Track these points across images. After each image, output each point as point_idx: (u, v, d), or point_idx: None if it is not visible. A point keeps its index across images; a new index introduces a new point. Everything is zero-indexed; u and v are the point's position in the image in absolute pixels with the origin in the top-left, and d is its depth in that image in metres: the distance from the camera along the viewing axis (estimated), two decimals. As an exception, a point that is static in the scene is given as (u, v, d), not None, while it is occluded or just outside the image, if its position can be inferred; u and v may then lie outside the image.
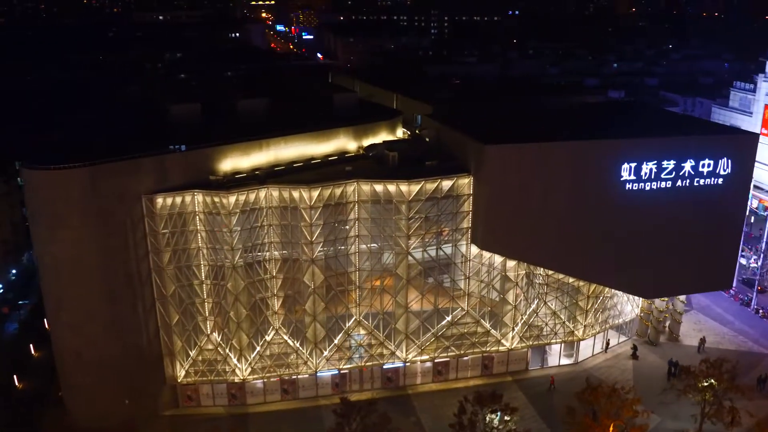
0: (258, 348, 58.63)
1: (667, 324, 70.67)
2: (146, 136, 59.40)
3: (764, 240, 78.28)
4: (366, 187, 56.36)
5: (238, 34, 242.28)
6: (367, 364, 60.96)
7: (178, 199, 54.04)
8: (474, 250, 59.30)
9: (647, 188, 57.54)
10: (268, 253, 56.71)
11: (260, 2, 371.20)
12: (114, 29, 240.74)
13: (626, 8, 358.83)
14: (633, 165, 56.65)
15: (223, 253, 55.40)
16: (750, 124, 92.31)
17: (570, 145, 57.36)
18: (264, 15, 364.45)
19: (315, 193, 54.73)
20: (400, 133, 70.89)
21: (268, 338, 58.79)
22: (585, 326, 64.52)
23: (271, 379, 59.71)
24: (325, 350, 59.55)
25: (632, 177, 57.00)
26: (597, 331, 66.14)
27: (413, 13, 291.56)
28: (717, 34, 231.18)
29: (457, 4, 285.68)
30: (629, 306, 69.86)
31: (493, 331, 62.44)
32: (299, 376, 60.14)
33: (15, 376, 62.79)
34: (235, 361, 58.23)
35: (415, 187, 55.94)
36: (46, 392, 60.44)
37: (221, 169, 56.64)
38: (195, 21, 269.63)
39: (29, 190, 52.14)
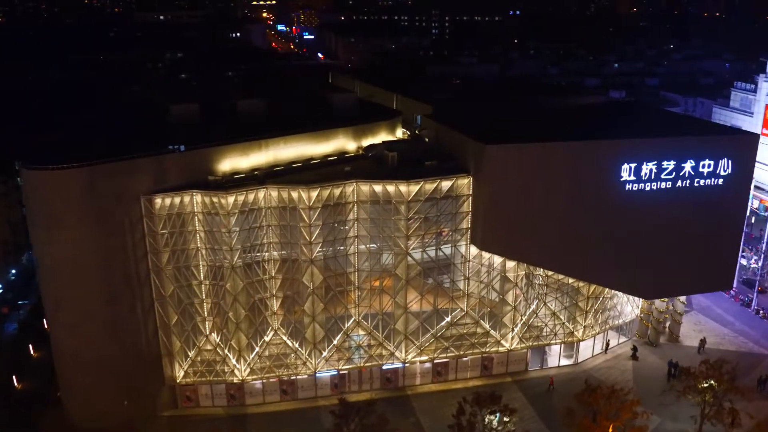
0: (257, 348, 58.54)
1: (668, 325, 70.51)
2: (145, 136, 59.32)
3: (765, 240, 78.04)
4: (365, 188, 56.24)
5: (238, 34, 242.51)
6: (367, 364, 60.85)
7: (177, 200, 53.95)
8: (473, 250, 59.17)
9: (647, 189, 57.38)
10: (267, 254, 56.61)
11: (261, 2, 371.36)
12: (115, 29, 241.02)
13: (627, 8, 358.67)
14: (633, 165, 56.49)
15: (221, 253, 55.31)
16: (751, 124, 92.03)
17: (570, 145, 57.22)
18: (265, 15, 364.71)
19: (314, 194, 54.63)
20: (400, 133, 70.77)
21: (267, 339, 58.70)
22: (585, 327, 64.38)
23: (270, 380, 59.61)
24: (324, 351, 59.45)
25: (632, 177, 56.84)
26: (597, 331, 65.99)
27: (414, 13, 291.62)
28: (718, 34, 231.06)
29: (457, 4, 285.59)
30: (629, 307, 69.71)
31: (492, 332, 62.31)
32: (298, 377, 60.03)
33: (14, 377, 62.73)
34: (234, 361, 58.14)
35: (414, 188, 55.82)
36: (45, 393, 60.35)
37: (220, 169, 56.55)
38: (196, 21, 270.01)
39: (27, 190, 52.08)
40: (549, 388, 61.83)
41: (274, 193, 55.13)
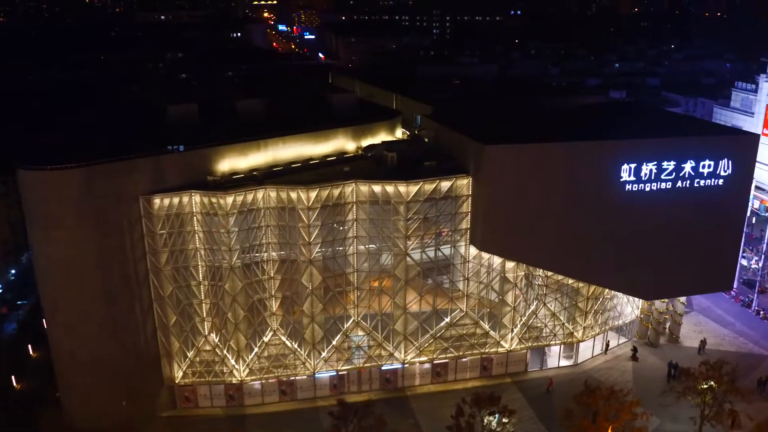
0: (256, 349, 58.43)
1: (668, 325, 70.33)
2: (144, 136, 59.27)
3: (765, 241, 77.84)
4: (364, 188, 56.12)
5: (239, 34, 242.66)
6: (366, 365, 60.74)
7: (176, 200, 53.86)
8: (473, 251, 59.03)
9: (647, 189, 57.21)
10: (265, 254, 56.51)
11: (262, 2, 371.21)
12: (116, 29, 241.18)
13: (629, 8, 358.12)
14: (633, 166, 56.33)
15: (220, 254, 55.21)
16: (752, 124, 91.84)
17: (569, 145, 57.10)
18: (266, 15, 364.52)
19: (313, 194, 54.52)
20: (400, 133, 70.64)
21: (266, 339, 58.60)
22: (584, 328, 64.21)
23: (269, 381, 59.52)
24: (323, 351, 59.33)
25: (632, 178, 56.68)
26: (596, 332, 65.83)
27: (415, 13, 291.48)
28: (719, 34, 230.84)
29: (458, 4, 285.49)
30: (629, 307, 69.54)
31: (492, 333, 62.18)
32: (297, 378, 59.94)
33: (13, 377, 62.66)
34: (232, 362, 58.04)
35: (413, 188, 55.70)
36: (44, 393, 60.24)
37: (219, 169, 56.45)
38: (197, 21, 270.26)
39: (25, 191, 51.94)
40: (548, 390, 61.62)
41: (273, 194, 55.02)
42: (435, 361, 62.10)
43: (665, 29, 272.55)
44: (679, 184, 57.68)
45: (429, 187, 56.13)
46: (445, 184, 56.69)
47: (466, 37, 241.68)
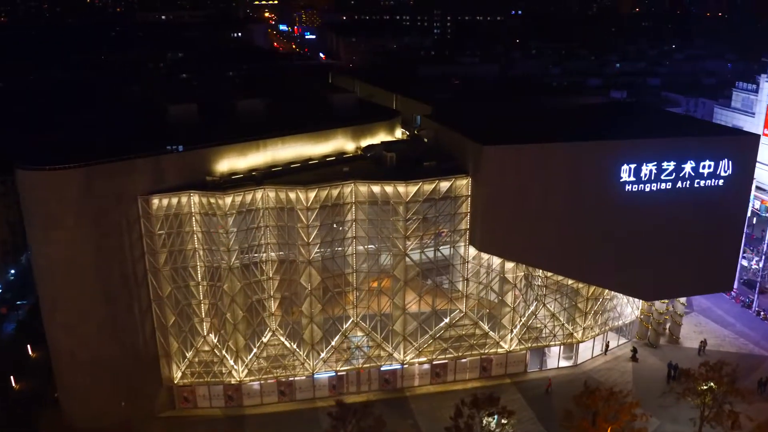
0: (255, 349, 58.34)
1: (668, 326, 70.17)
2: (144, 136, 59.21)
3: (766, 241, 77.67)
4: (363, 188, 56.01)
5: (240, 34, 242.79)
6: (365, 366, 60.64)
7: (174, 200, 53.77)
8: (472, 251, 58.90)
9: (647, 189, 57.07)
10: (264, 255, 56.42)
11: (263, 2, 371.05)
12: (117, 29, 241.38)
13: (630, 8, 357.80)
14: (632, 166, 56.19)
15: (219, 254, 55.13)
16: (752, 124, 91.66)
17: (569, 146, 56.96)
18: (267, 15, 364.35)
19: (312, 194, 54.42)
20: (399, 133, 70.54)
21: (264, 340, 58.50)
22: (584, 328, 64.07)
23: (268, 381, 59.43)
24: (323, 352, 59.24)
25: (632, 178, 56.54)
26: (596, 333, 65.69)
27: (416, 13, 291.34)
28: (720, 34, 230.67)
29: (459, 4, 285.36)
30: (629, 308, 69.39)
31: (491, 333, 62.05)
32: (296, 378, 59.85)
33: (12, 377, 62.60)
34: (231, 362, 57.96)
35: (412, 188, 55.58)
36: (43, 393, 60.19)
37: (218, 169, 56.38)
38: (198, 21, 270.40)
39: (23, 191, 51.88)
40: (547, 390, 61.50)
41: (272, 194, 54.93)
42: (434, 362, 62.00)
43: (666, 29, 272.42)
44: (679, 184, 57.54)
45: (428, 187, 56.01)
46: (445, 185, 56.58)
47: (467, 36, 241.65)
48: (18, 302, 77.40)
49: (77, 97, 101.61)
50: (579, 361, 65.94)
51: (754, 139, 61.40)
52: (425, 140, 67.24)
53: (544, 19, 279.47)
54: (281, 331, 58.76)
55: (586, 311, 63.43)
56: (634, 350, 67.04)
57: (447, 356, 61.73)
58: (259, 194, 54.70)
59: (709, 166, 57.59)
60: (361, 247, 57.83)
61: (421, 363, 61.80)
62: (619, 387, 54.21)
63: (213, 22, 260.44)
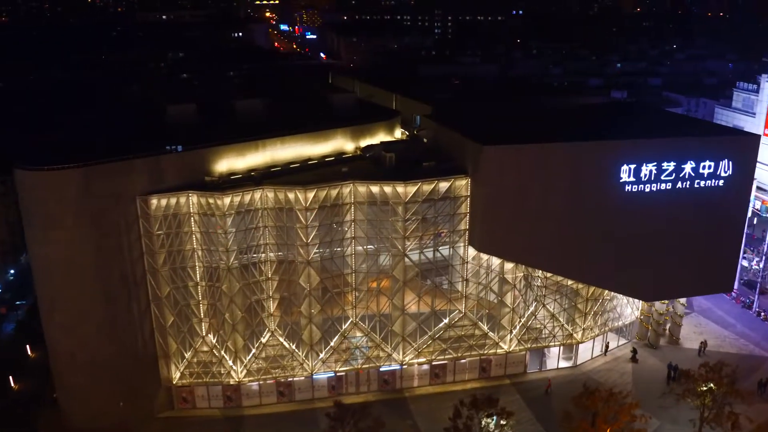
0: (253, 350, 58.25)
1: (668, 327, 70.00)
2: (143, 136, 59.12)
3: (766, 242, 77.49)
4: (362, 189, 55.90)
5: (241, 34, 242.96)
6: (364, 366, 60.54)
7: (173, 200, 53.67)
8: (471, 252, 58.77)
9: (647, 190, 56.91)
10: (263, 255, 56.31)
11: (264, 2, 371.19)
12: (118, 29, 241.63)
13: (631, 8, 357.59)
14: (632, 166, 56.03)
15: (218, 254, 55.03)
16: (753, 124, 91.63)
17: (569, 146, 56.80)
18: (268, 14, 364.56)
19: (310, 195, 54.31)
20: (399, 133, 70.42)
21: (263, 340, 58.40)
22: (584, 329, 63.94)
23: (267, 382, 59.35)
24: (321, 353, 59.14)
25: (632, 178, 56.38)
26: (596, 333, 65.55)
27: (417, 13, 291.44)
28: (721, 34, 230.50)
29: (460, 4, 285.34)
30: (629, 308, 69.24)
31: (490, 334, 61.92)
32: (295, 379, 59.75)
33: (11, 377, 62.56)
34: (230, 363, 57.88)
35: (411, 189, 55.46)
36: (42, 393, 60.16)
37: (217, 170, 56.28)
38: (198, 20, 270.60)
39: (22, 191, 51.77)
40: (546, 391, 61.37)
41: (271, 194, 54.82)
42: (433, 363, 61.87)
43: (667, 29, 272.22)
44: (679, 184, 57.37)
45: (427, 187, 55.89)
46: (444, 185, 56.46)
47: (468, 36, 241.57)
48: (17, 302, 77.36)
49: (77, 97, 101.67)
50: (579, 362, 65.80)
51: (755, 139, 61.22)
52: (425, 140, 67.14)
53: (545, 19, 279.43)
54: (280, 332, 58.67)
55: (585, 312, 63.29)
56: (634, 351, 66.88)
57: (446, 357, 61.61)
58: (257, 194, 54.60)
59: (710, 167, 57.43)
60: (360, 248, 57.71)
61: (420, 364, 61.69)
62: (618, 388, 54.10)
63: (214, 22, 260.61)
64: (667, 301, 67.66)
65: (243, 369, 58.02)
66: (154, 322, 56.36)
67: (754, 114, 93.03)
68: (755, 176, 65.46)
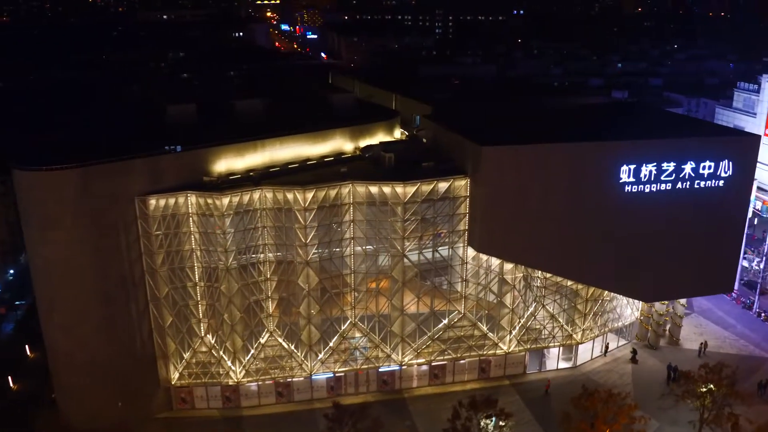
0: (252, 350, 58.15)
1: (668, 327, 69.84)
2: (143, 136, 59.00)
3: (767, 242, 77.27)
4: (361, 189, 55.78)
5: (242, 34, 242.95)
6: (363, 367, 60.42)
7: (172, 201, 53.57)
8: (471, 252, 58.64)
9: (647, 190, 56.77)
10: (262, 255, 56.20)
11: (265, 1, 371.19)
12: (119, 28, 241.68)
13: (632, 8, 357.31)
14: (632, 167, 55.88)
15: (216, 255, 54.92)
16: (754, 125, 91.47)
17: (568, 146, 56.66)
18: (269, 14, 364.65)
19: (309, 195, 54.20)
20: (398, 133, 70.31)
21: (262, 341, 58.30)
22: (583, 330, 63.79)
23: (266, 382, 59.25)
24: (320, 353, 59.04)
25: (631, 179, 56.24)
26: (596, 334, 65.41)
27: (418, 13, 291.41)
28: (723, 34, 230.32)
29: (461, 4, 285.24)
30: (629, 309, 69.08)
31: (490, 335, 61.79)
32: (294, 379, 59.65)
33: (10, 377, 62.50)
34: (229, 363, 57.77)
35: (410, 189, 55.33)
36: (41, 393, 60.10)
37: (215, 170, 56.18)
38: (199, 20, 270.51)
39: (20, 191, 51.71)
40: (546, 392, 61.24)
41: (269, 195, 54.71)
42: (433, 363, 61.75)
43: (668, 29, 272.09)
44: (679, 185, 57.22)
45: (426, 188, 55.76)
46: (443, 185, 56.33)
47: (469, 36, 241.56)
48: (17, 302, 77.30)
49: (77, 97, 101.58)
50: (578, 363, 65.66)
51: (755, 139, 61.05)
52: (424, 140, 67.02)
53: (546, 19, 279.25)
54: (279, 332, 58.57)
55: (585, 312, 63.15)
56: (634, 352, 66.73)
57: (445, 357, 61.50)
58: (256, 195, 54.50)
59: (710, 167, 57.27)
60: (359, 248, 57.58)
61: (419, 364, 61.57)
62: (618, 389, 54.01)
63: (215, 22, 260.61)
64: (667, 302, 67.48)
65: (242, 369, 57.93)
66: (153, 323, 56.26)
67: (755, 114, 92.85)
68: (756, 176, 65.29)
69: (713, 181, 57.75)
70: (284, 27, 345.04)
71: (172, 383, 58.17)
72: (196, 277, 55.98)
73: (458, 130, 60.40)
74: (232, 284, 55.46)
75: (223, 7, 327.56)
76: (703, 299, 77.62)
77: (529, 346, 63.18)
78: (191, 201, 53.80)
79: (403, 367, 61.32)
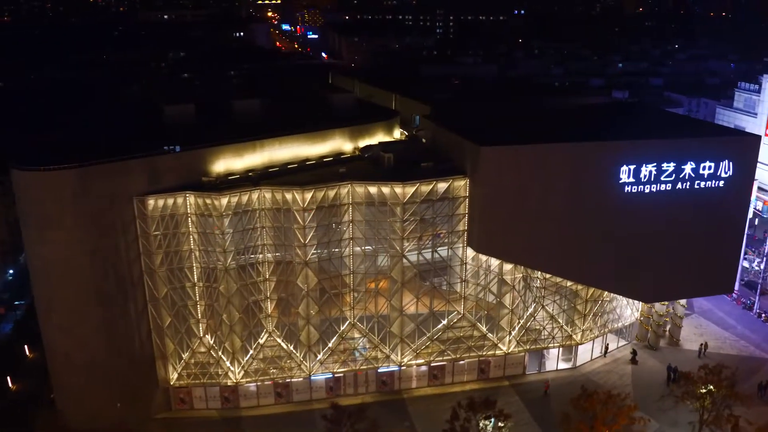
0: (251, 351, 58.06)
1: (668, 328, 69.69)
2: (142, 136, 58.88)
3: (768, 243, 77.22)
4: (360, 189, 55.66)
5: (242, 34, 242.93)
6: (362, 367, 60.31)
7: (170, 201, 53.49)
8: (470, 253, 58.51)
9: (647, 191, 56.63)
10: (261, 256, 56.10)
11: (266, 1, 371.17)
12: (119, 28, 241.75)
13: (633, 8, 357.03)
14: (632, 167, 55.74)
15: (215, 255, 54.82)
16: (755, 125, 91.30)
17: (567, 146, 56.53)
18: (270, 14, 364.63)
19: (308, 195, 54.09)
20: (398, 134, 70.19)
21: (261, 341, 58.20)
22: (583, 330, 63.65)
23: (265, 383, 59.15)
24: (319, 354, 58.94)
25: (631, 179, 56.10)
26: (596, 335, 65.27)
27: (418, 13, 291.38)
28: (724, 34, 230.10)
29: (462, 4, 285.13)
30: (629, 310, 68.93)
31: (489, 335, 61.67)
32: (293, 380, 59.55)
33: (9, 377, 62.44)
34: (228, 364, 57.68)
35: (409, 189, 55.21)
36: (40, 393, 60.03)
37: (214, 170, 56.08)
38: (200, 20, 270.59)
39: (19, 191, 51.62)
40: (545, 392, 61.10)
41: (268, 195, 54.61)
42: (432, 364, 61.63)
43: (669, 29, 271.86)
44: (679, 185, 57.09)
45: (425, 188, 55.64)
46: (442, 186, 56.20)
47: (470, 36, 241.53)
48: (16, 302, 77.25)
49: (77, 97, 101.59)
50: (578, 363, 65.51)
51: (755, 140, 60.90)
52: (423, 141, 66.90)
53: (547, 19, 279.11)
54: (278, 333, 58.46)
55: (585, 313, 63.00)
56: (634, 352, 66.57)
57: (445, 358, 61.37)
58: (255, 195, 54.39)
59: (710, 168, 57.13)
60: (358, 249, 57.45)
61: (418, 365, 61.45)
62: (617, 390, 53.92)
63: (215, 22, 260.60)
64: (667, 303, 67.32)
65: (241, 370, 57.84)
66: (152, 323, 56.18)
67: (756, 114, 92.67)
68: (756, 177, 65.11)
69: (713, 181, 57.61)
70: (285, 27, 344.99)
71: (171, 383, 58.09)
72: (195, 277, 55.89)
73: (457, 130, 60.27)
74: (230, 284, 55.37)
75: (223, 7, 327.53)
76: (704, 300, 77.45)
77: (528, 347, 63.05)
78: (190, 201, 53.71)
79: (403, 368, 61.21)
